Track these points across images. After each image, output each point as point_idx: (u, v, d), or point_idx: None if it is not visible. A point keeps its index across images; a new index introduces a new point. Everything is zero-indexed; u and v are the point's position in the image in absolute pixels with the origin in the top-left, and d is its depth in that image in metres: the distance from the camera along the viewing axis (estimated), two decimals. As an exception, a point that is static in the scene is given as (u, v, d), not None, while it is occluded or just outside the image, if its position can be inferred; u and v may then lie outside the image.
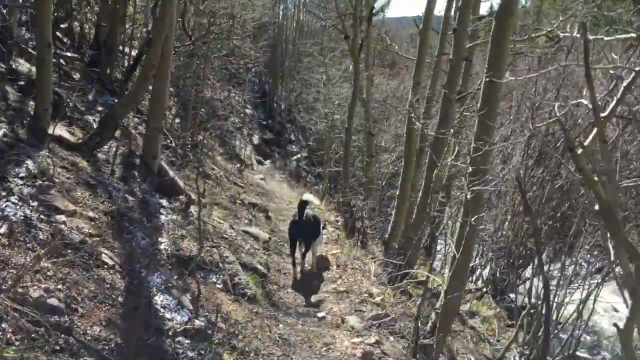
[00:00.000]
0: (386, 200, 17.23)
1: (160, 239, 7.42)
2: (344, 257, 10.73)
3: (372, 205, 14.98)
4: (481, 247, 15.05)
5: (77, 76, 11.39)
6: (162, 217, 8.27)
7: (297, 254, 9.97)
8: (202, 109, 22.44)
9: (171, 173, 10.28)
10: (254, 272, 8.54)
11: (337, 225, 14.21)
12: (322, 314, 8.07)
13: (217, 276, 7.56)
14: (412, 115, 11.22)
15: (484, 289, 13.44)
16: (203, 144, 17.16)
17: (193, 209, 9.28)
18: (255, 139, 27.15)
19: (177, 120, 17.29)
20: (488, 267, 15.14)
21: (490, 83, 6.95)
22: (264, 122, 28.63)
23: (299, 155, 28.16)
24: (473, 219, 6.85)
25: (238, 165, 19.99)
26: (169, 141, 13.88)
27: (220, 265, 7.76)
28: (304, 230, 9.98)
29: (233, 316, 6.91)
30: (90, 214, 6.80)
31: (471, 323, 9.94)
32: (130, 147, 10.34)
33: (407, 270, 9.25)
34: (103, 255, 6.18)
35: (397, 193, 12.61)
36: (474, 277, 15.23)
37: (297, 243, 10.01)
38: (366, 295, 8.72)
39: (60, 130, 8.74)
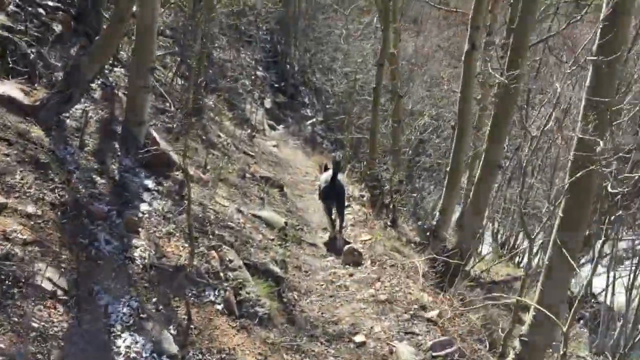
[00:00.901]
0: (416, 170, 14.87)
1: (134, 242, 5.16)
2: (379, 248, 8.46)
3: (401, 177, 12.62)
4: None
5: (58, 28, 9.00)
6: (144, 205, 6.01)
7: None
8: (210, 70, 20.19)
9: (163, 144, 8.00)
10: (266, 277, 6.28)
11: (362, 201, 11.91)
12: (361, 339, 5.82)
13: (216, 292, 5.34)
14: (484, 69, 8.88)
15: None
16: (209, 108, 14.85)
17: (194, 190, 6.99)
18: (267, 103, 24.72)
19: (180, 82, 15.02)
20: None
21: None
22: (276, 85, 26.12)
23: (314, 120, 25.73)
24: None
25: (249, 131, 17.64)
26: (167, 104, 11.61)
27: (221, 274, 5.54)
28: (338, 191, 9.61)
29: (239, 355, 4.67)
30: (30, 208, 4.56)
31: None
32: (113, 111, 8.07)
33: (467, 269, 6.98)
34: (39, 276, 3.93)
35: (448, 170, 10.25)
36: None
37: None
38: (416, 307, 6.48)
39: (11, 88, 6.49)
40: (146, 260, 4.95)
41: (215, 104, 17.62)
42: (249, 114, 20.93)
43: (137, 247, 5.09)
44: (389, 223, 10.35)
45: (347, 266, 7.89)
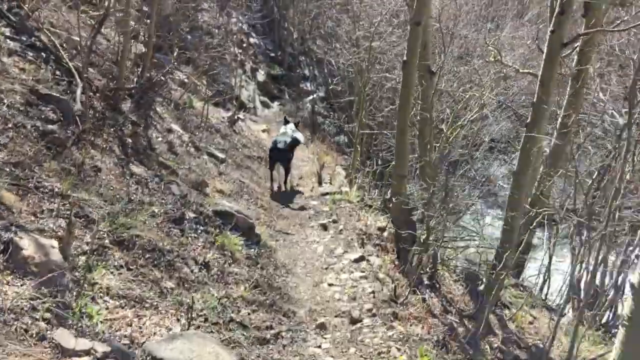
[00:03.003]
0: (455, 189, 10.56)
1: None
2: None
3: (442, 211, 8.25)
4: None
5: None
6: None
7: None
8: (189, 35, 15.74)
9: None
10: None
11: (383, 241, 7.66)
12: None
13: None
14: None
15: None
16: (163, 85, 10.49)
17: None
18: (261, 75, 20.26)
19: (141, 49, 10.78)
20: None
21: None
22: (272, 55, 21.62)
23: (314, 96, 21.19)
24: None
25: (229, 114, 13.28)
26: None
27: None
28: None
29: None
30: None
31: None
32: None
33: None
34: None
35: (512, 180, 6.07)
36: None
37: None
38: None
39: None
40: None
41: (190, 78, 13.26)
42: (238, 89, 16.56)
43: None
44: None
45: None
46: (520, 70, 10.72)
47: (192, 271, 5.20)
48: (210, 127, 11.28)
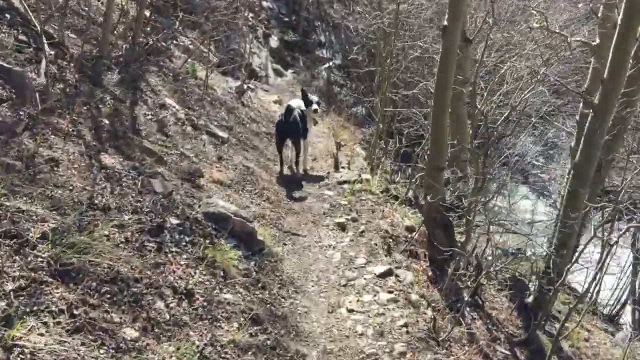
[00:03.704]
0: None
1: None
2: None
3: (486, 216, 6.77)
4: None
5: None
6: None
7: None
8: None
9: None
10: None
11: (413, 245, 6.20)
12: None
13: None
14: None
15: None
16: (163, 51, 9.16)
17: None
18: (274, 42, 18.64)
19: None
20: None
21: None
22: (286, 19, 19.92)
23: (330, 64, 19.54)
24: None
25: (238, 83, 11.78)
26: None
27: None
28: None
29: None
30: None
31: None
32: None
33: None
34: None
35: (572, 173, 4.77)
36: None
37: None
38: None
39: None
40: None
41: (196, 46, 11.73)
42: (249, 56, 15.02)
43: None
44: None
45: None
46: (571, 39, 9.07)
47: (167, 306, 3.81)
48: (214, 99, 9.81)
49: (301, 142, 8.38)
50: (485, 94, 7.87)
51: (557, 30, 9.55)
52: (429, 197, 5.81)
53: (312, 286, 5.16)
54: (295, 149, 8.35)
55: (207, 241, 4.77)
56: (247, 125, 10.03)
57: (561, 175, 15.01)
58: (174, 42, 11.34)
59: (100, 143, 5.34)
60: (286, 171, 8.40)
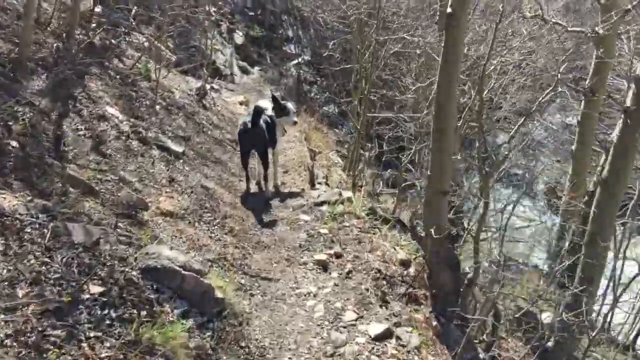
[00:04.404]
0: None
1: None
2: None
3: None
4: None
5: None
6: None
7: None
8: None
9: None
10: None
11: (409, 291, 4.90)
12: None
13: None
14: None
15: None
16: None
17: None
18: (239, 37, 17.18)
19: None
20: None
21: None
22: (251, 13, 18.48)
23: (299, 60, 18.16)
24: None
25: (197, 86, 10.34)
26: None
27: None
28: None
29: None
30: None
31: None
32: None
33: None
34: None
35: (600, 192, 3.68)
36: None
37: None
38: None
39: None
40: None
41: (152, 45, 10.18)
42: (212, 53, 13.54)
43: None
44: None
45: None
46: (570, 29, 7.89)
47: None
48: (170, 104, 8.36)
49: (269, 153, 7.03)
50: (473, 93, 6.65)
51: (553, 19, 8.39)
52: (431, 229, 4.54)
53: (289, 358, 3.85)
54: (262, 162, 6.98)
55: (145, 312, 3.40)
56: (209, 132, 8.62)
57: (546, 175, 13.96)
58: (126, 39, 9.82)
59: (0, 176, 3.91)
60: (254, 188, 7.04)
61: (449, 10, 4.32)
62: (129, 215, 4.58)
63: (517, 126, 4.93)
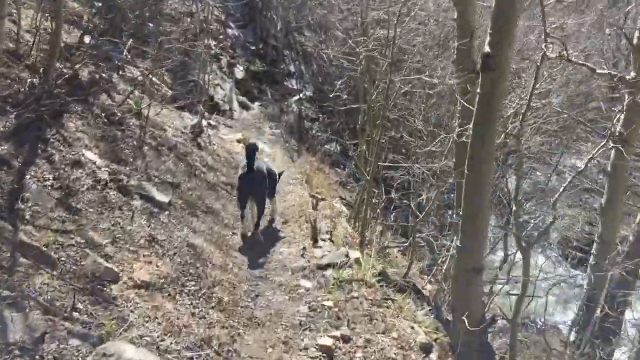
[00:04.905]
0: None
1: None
2: None
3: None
4: None
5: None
6: None
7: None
8: (150, 23, 11.94)
9: None
10: None
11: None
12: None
13: None
14: None
15: None
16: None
17: None
18: (239, 72, 16.45)
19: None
20: None
21: None
22: (253, 47, 17.85)
23: (300, 95, 17.42)
24: None
25: (194, 121, 9.56)
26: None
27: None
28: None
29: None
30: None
31: None
32: None
33: None
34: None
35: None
36: None
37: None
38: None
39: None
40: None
41: (144, 75, 9.39)
42: (210, 88, 12.83)
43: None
44: None
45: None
46: (599, 71, 7.12)
47: None
48: (161, 144, 7.52)
49: (266, 201, 6.46)
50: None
51: (579, 61, 7.63)
52: (462, 314, 3.66)
53: None
54: (257, 208, 6.35)
55: None
56: (202, 175, 7.77)
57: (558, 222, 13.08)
58: (119, 73, 9.08)
59: None
60: (249, 233, 6.23)
61: (486, 50, 3.51)
62: (92, 291, 3.69)
63: (562, 188, 4.09)
